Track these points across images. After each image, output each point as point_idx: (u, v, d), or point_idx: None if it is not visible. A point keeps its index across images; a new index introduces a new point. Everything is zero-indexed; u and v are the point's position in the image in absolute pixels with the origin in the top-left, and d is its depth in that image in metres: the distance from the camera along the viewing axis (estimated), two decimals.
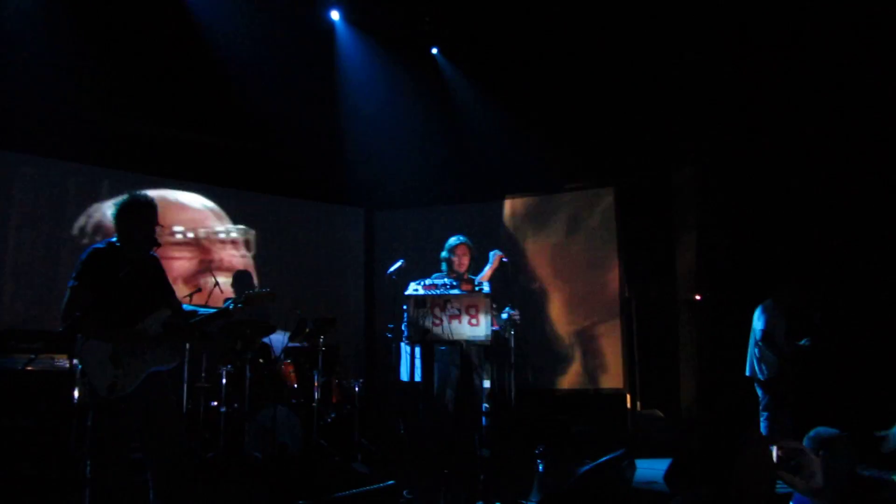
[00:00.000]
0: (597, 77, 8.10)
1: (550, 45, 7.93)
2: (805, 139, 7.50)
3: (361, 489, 3.69)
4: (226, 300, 5.07)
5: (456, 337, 4.87)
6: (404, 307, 4.98)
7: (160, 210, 4.06)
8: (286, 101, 8.10)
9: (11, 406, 5.76)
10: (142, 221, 3.90)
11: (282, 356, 7.02)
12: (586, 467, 4.00)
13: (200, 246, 8.44)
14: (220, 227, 8.67)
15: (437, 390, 5.11)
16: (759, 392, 6.69)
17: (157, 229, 3.97)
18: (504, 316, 5.60)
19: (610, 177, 9.08)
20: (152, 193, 4.11)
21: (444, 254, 5.60)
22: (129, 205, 3.92)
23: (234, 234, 8.74)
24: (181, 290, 6.87)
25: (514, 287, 8.76)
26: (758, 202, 7.88)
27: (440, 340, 4.92)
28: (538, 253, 9.32)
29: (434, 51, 8.87)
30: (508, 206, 9.59)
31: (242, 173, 8.85)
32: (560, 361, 9.02)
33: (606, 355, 8.79)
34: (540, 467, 4.96)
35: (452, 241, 5.58)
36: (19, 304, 7.22)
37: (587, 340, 8.92)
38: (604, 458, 4.18)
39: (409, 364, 5.11)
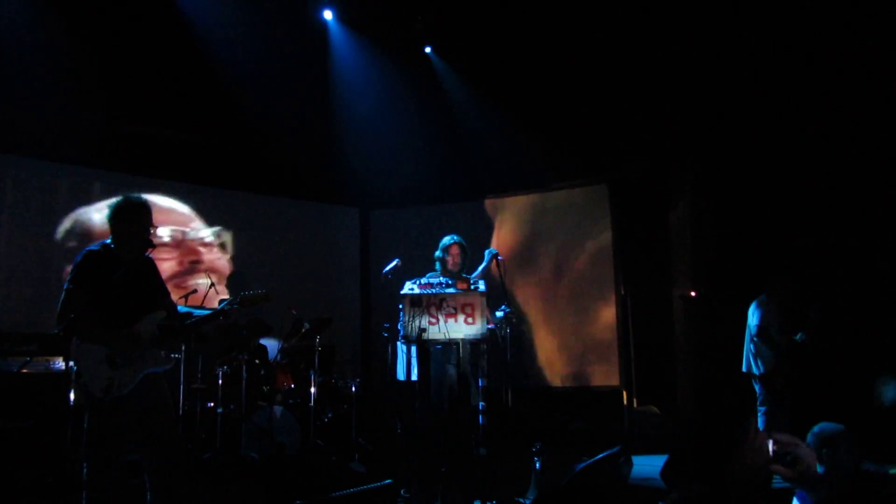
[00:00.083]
0: (591, 74, 8.11)
1: (544, 43, 7.93)
2: (799, 135, 7.52)
3: (358, 488, 3.69)
4: (221, 301, 5.06)
5: (452, 336, 4.88)
6: (400, 306, 4.98)
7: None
8: (280, 100, 8.09)
9: (7, 408, 5.75)
10: (136, 223, 3.90)
11: (278, 356, 7.01)
12: (583, 464, 4.01)
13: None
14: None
15: (434, 389, 5.12)
16: (757, 387, 6.70)
17: (152, 230, 3.97)
18: (499, 314, 5.61)
19: (605, 173, 9.09)
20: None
21: (438, 253, 5.60)
22: (123, 207, 3.91)
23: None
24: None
25: (509, 285, 8.79)
26: (752, 198, 7.89)
27: (436, 339, 4.92)
28: (533, 251, 9.32)
29: (427, 50, 8.87)
30: (503, 204, 9.60)
31: (236, 174, 8.85)
32: (556, 359, 9.03)
33: (602, 352, 8.80)
34: (537, 465, 4.97)
35: (446, 240, 5.58)
36: (12, 306, 7.20)
37: (583, 338, 8.93)
38: (600, 455, 4.18)
39: (405, 363, 5.11)
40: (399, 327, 4.98)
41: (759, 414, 6.65)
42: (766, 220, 7.77)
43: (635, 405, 8.34)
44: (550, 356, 9.05)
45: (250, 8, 7.43)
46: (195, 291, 7.27)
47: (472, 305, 4.88)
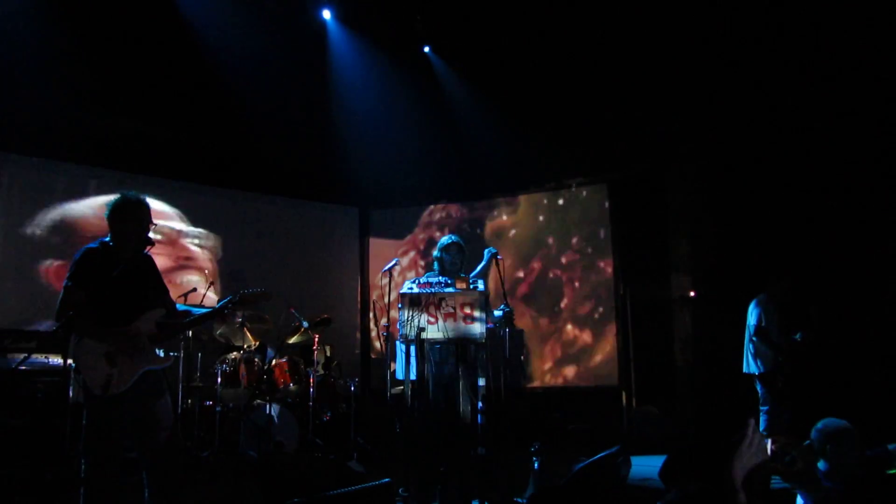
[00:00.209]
0: (591, 74, 8.11)
1: (543, 43, 7.94)
2: (799, 135, 7.53)
3: (356, 487, 3.68)
4: (220, 300, 5.06)
5: (451, 335, 4.87)
6: (399, 306, 4.97)
7: None
8: (279, 100, 8.10)
9: (5, 406, 5.74)
10: (135, 221, 3.90)
11: (277, 355, 7.01)
12: (581, 464, 4.00)
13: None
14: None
15: (433, 389, 5.11)
16: (758, 387, 6.70)
17: (151, 228, 3.97)
18: (498, 314, 5.60)
19: (605, 173, 9.09)
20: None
21: (436, 253, 5.59)
22: (122, 205, 3.91)
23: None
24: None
25: (508, 285, 8.79)
26: (751, 198, 7.90)
27: (435, 339, 4.92)
28: (532, 251, 9.32)
29: (426, 49, 8.86)
30: (502, 204, 9.60)
31: (235, 173, 8.85)
32: (555, 359, 9.03)
33: (602, 352, 8.81)
34: (535, 465, 4.97)
35: (445, 240, 5.57)
36: (7, 303, 7.20)
37: (582, 337, 8.94)
38: (599, 455, 4.17)
39: (404, 363, 5.10)
40: (398, 326, 4.97)
41: (760, 414, 6.65)
42: (766, 221, 7.77)
43: (635, 405, 8.34)
44: (549, 356, 9.05)
45: (248, 6, 7.42)
46: (195, 290, 7.27)
47: (470, 305, 4.87)
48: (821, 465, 3.63)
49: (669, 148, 8.63)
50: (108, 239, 3.91)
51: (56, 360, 6.06)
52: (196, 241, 8.57)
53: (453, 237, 5.60)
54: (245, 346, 6.94)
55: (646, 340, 8.55)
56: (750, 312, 6.71)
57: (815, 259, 7.35)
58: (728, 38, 7.28)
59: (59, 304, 3.72)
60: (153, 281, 4.04)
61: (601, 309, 8.89)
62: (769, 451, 3.69)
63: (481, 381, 5.14)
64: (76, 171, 7.82)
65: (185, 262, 8.41)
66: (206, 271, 7.98)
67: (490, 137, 8.89)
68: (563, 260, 9.17)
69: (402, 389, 5.14)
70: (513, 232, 9.47)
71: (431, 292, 4.92)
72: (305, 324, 6.91)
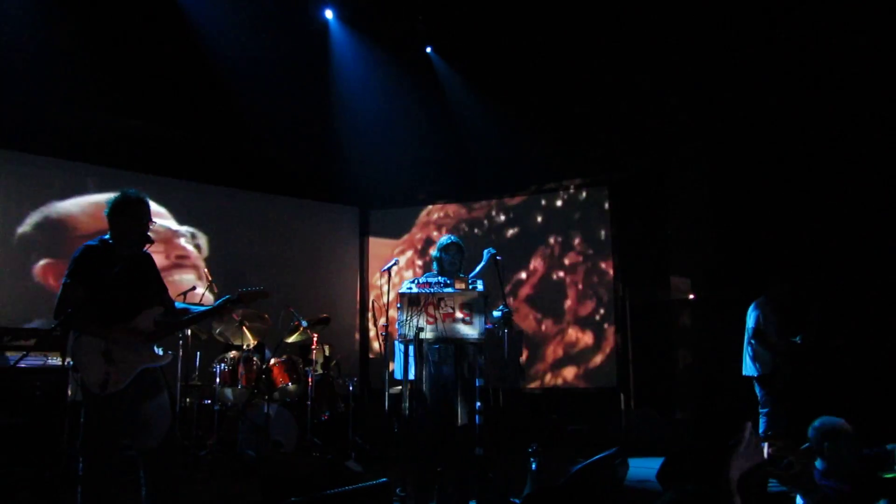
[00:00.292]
0: (591, 75, 8.11)
1: (544, 44, 7.94)
2: (798, 137, 7.53)
3: (354, 486, 3.68)
4: (218, 298, 5.06)
5: (449, 335, 4.87)
6: (398, 305, 4.97)
7: None
8: (280, 99, 8.09)
9: (3, 404, 5.73)
10: (134, 218, 3.90)
11: (276, 354, 7.00)
12: (579, 465, 4.00)
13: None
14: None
15: (431, 389, 5.12)
16: (757, 390, 6.70)
17: (151, 226, 3.98)
18: (497, 314, 5.60)
19: (604, 174, 9.09)
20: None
21: (435, 253, 5.59)
22: (122, 202, 3.91)
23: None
24: None
25: (510, 287, 8.79)
26: (751, 200, 7.90)
27: (433, 339, 4.92)
28: (532, 251, 9.32)
29: (428, 50, 8.87)
30: (502, 204, 9.60)
31: (235, 171, 8.84)
32: (553, 360, 9.03)
33: (600, 354, 8.81)
34: (533, 466, 4.97)
35: (444, 240, 5.57)
36: (1, 301, 7.20)
37: (581, 338, 8.94)
38: (596, 457, 4.18)
39: (402, 363, 5.10)
40: (397, 326, 4.97)
41: (760, 416, 6.65)
42: (766, 223, 7.77)
43: (633, 407, 8.34)
44: (548, 357, 9.05)
45: (250, 5, 7.42)
46: (194, 289, 7.27)
47: (469, 305, 4.87)
48: (818, 463, 3.64)
49: (670, 149, 8.63)
50: (107, 237, 3.92)
51: (54, 358, 6.05)
52: (194, 239, 8.56)
53: (452, 237, 5.60)
54: (244, 346, 6.94)
55: (645, 342, 8.55)
56: (749, 315, 6.71)
57: (816, 261, 7.35)
58: (728, 39, 7.29)
59: (58, 301, 3.72)
60: (152, 279, 4.04)
61: (600, 310, 8.89)
62: (766, 455, 3.69)
63: (479, 382, 5.13)
64: (73, 169, 7.79)
65: (182, 261, 8.40)
66: (204, 270, 7.97)
67: (491, 138, 8.89)
68: (563, 261, 9.17)
69: (401, 389, 5.14)
70: (512, 232, 9.46)
71: (430, 292, 4.92)
72: (304, 323, 6.91)
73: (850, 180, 7.29)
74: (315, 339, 7.01)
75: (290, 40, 7.97)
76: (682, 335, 8.44)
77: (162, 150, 8.19)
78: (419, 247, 9.80)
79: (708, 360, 8.09)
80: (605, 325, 8.82)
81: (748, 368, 6.73)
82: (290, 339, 7.15)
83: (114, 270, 3.71)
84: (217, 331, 6.99)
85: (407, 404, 4.97)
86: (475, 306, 4.88)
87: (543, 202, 9.40)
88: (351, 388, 7.21)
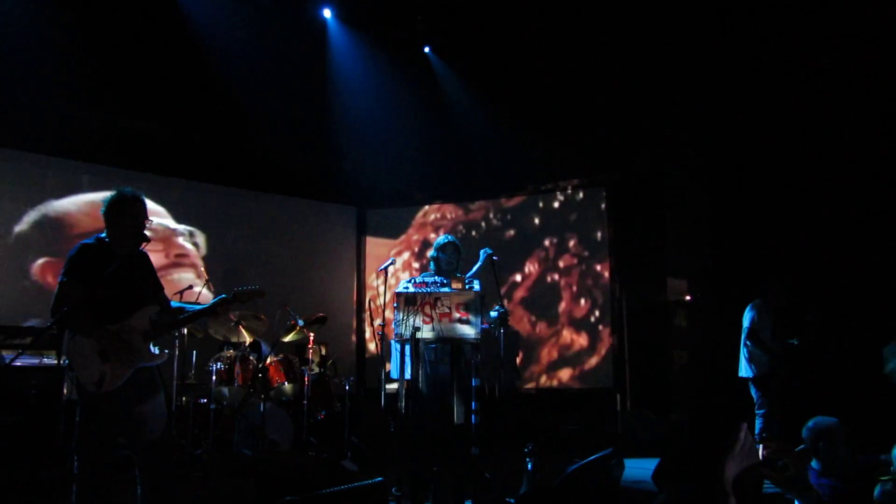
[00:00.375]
0: (590, 75, 8.12)
1: (542, 44, 7.95)
2: (796, 139, 7.54)
3: (349, 486, 3.68)
4: (214, 297, 5.05)
5: (446, 335, 4.87)
6: (395, 305, 4.97)
7: None
8: (278, 98, 8.09)
9: None
10: (130, 217, 3.89)
11: (272, 353, 7.00)
12: (575, 466, 4.00)
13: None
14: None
15: (427, 389, 5.11)
16: (753, 391, 6.71)
17: (147, 224, 3.97)
18: (494, 314, 5.60)
19: (602, 175, 9.09)
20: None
21: (432, 253, 5.59)
22: (118, 201, 3.90)
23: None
24: None
25: (505, 287, 8.79)
26: (748, 201, 7.92)
27: (430, 339, 4.92)
28: (529, 252, 9.32)
29: (426, 49, 8.87)
30: (499, 204, 9.60)
31: (232, 170, 8.83)
32: (550, 360, 9.03)
33: (597, 354, 8.81)
34: (529, 466, 4.97)
35: (441, 239, 5.57)
36: (1, 299, 7.18)
37: (577, 339, 8.94)
38: (592, 457, 4.18)
39: (399, 362, 5.10)
40: (394, 326, 4.97)
41: (756, 417, 6.66)
42: (762, 224, 7.78)
43: (629, 408, 8.35)
44: (544, 357, 9.05)
45: (248, 3, 7.41)
46: (190, 287, 7.26)
47: (466, 305, 4.87)
48: (814, 463, 3.64)
49: (667, 151, 8.64)
50: (103, 235, 3.91)
51: (50, 357, 6.03)
52: (191, 238, 8.55)
53: (449, 237, 5.60)
54: (240, 344, 6.93)
55: (641, 343, 8.56)
56: (745, 316, 6.72)
57: (813, 263, 7.36)
58: (726, 40, 7.30)
59: (54, 300, 3.72)
60: (148, 277, 4.04)
61: (597, 310, 8.89)
62: (761, 456, 3.70)
63: (476, 382, 5.13)
64: (70, 167, 7.77)
65: (181, 260, 8.39)
66: (201, 269, 7.95)
67: (489, 138, 8.90)
68: (560, 261, 9.17)
69: (397, 389, 5.14)
70: (509, 233, 9.46)
71: (427, 292, 4.92)
72: (301, 322, 6.90)
73: (848, 182, 7.31)
74: (311, 338, 6.99)
75: (288, 38, 7.97)
76: (678, 336, 8.45)
77: (160, 149, 8.17)
78: (416, 248, 9.79)
79: (704, 362, 8.10)
80: (601, 327, 8.82)
81: (744, 370, 6.74)
82: (287, 339, 7.13)
83: (110, 269, 3.71)
84: (213, 329, 6.98)
85: (403, 404, 4.96)
86: (472, 306, 4.88)
87: (541, 203, 9.39)
88: (347, 388, 7.20)
